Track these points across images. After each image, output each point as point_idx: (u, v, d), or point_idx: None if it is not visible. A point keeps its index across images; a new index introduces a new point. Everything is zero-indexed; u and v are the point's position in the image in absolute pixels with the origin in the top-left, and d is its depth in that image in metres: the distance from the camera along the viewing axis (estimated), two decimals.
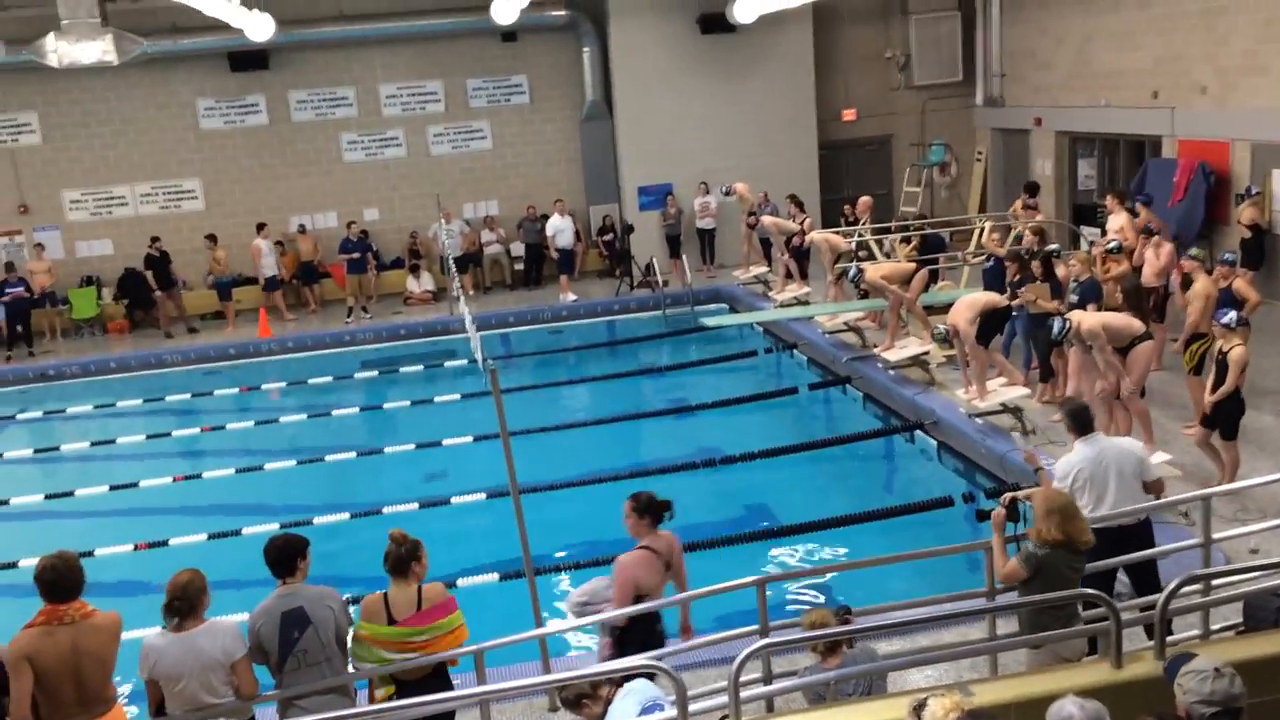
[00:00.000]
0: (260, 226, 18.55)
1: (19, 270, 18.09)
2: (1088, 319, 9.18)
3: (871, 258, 14.42)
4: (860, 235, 15.15)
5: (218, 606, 5.43)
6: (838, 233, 15.54)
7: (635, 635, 5.70)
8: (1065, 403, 6.77)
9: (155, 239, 18.40)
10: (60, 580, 5.02)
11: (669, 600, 5.95)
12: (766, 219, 16.74)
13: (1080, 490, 6.31)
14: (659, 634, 5.88)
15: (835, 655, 5.19)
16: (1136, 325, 9.17)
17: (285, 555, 5.34)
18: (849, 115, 21.13)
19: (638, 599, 5.70)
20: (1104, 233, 12.90)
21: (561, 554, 9.31)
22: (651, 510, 5.86)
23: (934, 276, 14.28)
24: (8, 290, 17.56)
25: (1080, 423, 6.51)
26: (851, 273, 13.27)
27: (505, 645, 5.97)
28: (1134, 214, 12.78)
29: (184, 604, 5.10)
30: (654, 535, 5.87)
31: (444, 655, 5.42)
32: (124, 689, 6.10)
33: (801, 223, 16.18)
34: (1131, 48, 16.04)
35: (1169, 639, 5.04)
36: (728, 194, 18.45)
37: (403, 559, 5.41)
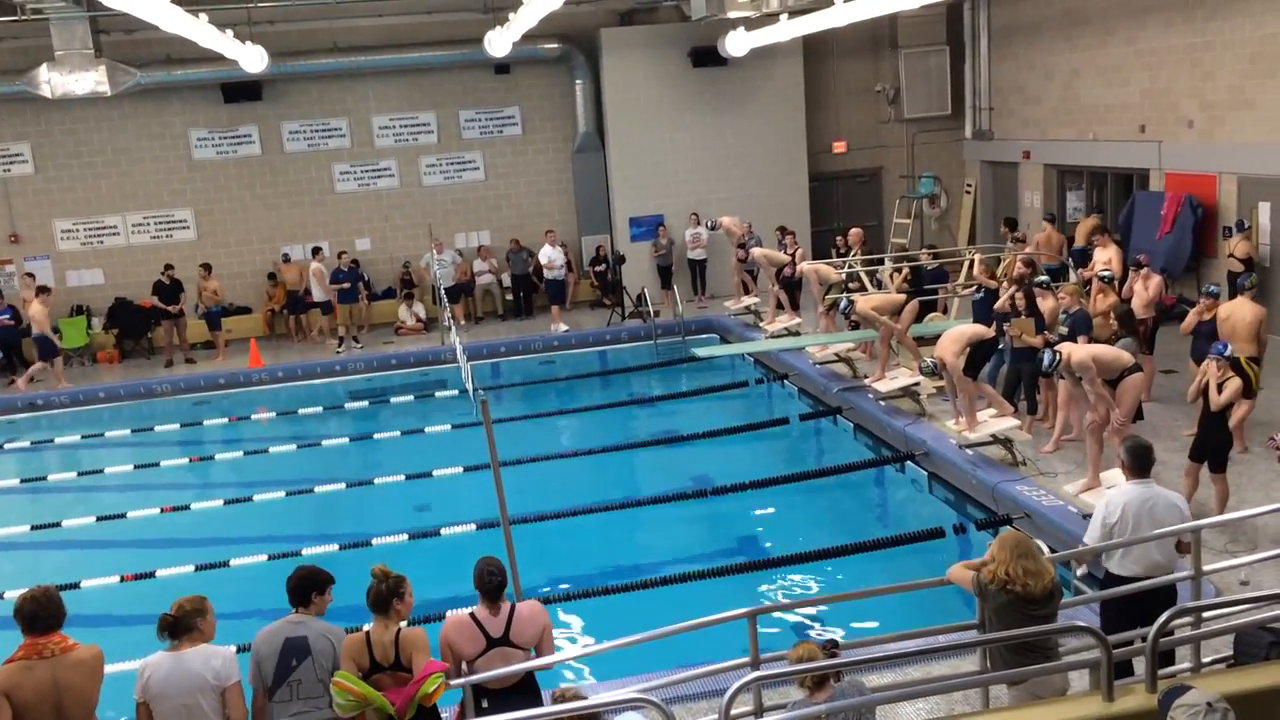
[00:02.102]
0: (315, 250, 18.67)
1: (9, 299, 18.06)
2: (1077, 351, 9.20)
3: (862, 289, 14.47)
4: (851, 266, 15.21)
5: None
6: (829, 263, 15.60)
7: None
8: (1128, 440, 6.63)
9: (169, 266, 18.45)
10: (40, 613, 4.98)
11: (666, 630, 5.86)
12: (756, 251, 16.81)
13: (1116, 530, 6.20)
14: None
15: (823, 690, 5.15)
16: (1126, 357, 9.20)
17: (302, 586, 5.41)
18: (839, 147, 21.30)
19: (457, 665, 5.50)
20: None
21: (552, 585, 9.25)
22: (478, 583, 5.58)
23: (929, 308, 14.34)
24: None
25: (1141, 463, 6.31)
26: (842, 304, 13.32)
27: (494, 678, 5.91)
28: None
29: (177, 623, 5.10)
30: (485, 606, 5.58)
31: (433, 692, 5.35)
32: None
33: (792, 253, 16.26)
34: (1119, 82, 16.20)
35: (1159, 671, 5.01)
36: (713, 228, 18.60)
37: (384, 595, 5.32)
